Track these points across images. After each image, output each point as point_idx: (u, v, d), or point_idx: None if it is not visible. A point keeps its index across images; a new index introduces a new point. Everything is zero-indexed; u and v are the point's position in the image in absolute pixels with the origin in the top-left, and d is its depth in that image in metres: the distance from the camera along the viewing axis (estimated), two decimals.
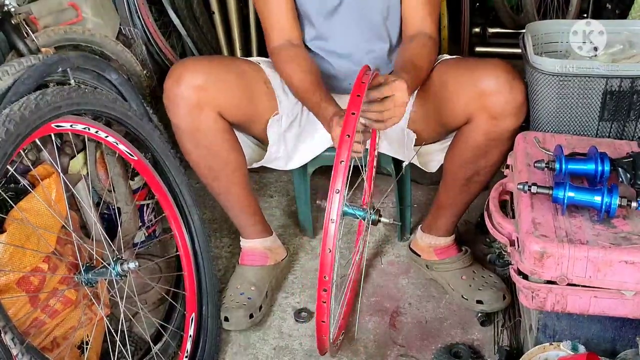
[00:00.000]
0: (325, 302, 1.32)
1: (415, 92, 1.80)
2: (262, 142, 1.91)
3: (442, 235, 1.96)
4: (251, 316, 1.84)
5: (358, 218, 1.60)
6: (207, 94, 1.67)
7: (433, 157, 1.88)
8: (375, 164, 1.86)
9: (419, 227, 2.02)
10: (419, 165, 1.87)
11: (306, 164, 1.97)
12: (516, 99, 1.62)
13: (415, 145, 1.82)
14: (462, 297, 1.89)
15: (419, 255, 2.01)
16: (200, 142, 1.73)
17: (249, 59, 1.91)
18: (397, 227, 2.14)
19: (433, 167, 1.90)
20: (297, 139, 1.88)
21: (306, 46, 1.87)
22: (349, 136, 1.28)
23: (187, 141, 1.74)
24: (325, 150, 1.89)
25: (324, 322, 1.36)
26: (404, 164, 1.86)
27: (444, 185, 1.86)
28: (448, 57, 1.85)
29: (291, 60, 1.79)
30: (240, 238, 2.00)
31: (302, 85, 1.75)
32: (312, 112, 1.76)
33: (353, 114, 1.29)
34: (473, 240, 2.12)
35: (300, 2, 1.81)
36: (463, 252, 1.97)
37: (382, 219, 1.61)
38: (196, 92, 1.66)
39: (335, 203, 1.27)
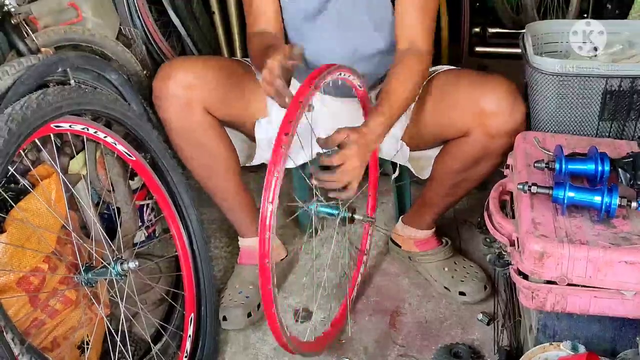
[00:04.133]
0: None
1: (413, 103, 1.79)
2: (253, 141, 1.90)
3: (422, 228, 1.98)
4: (249, 315, 1.84)
5: (331, 216, 1.60)
6: (195, 92, 1.69)
7: (427, 164, 1.88)
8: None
9: (400, 219, 2.04)
10: (413, 171, 1.88)
11: (305, 164, 1.97)
12: (516, 121, 1.63)
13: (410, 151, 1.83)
14: (445, 288, 1.92)
15: (400, 247, 2.03)
16: (191, 139, 1.74)
17: (240, 59, 1.91)
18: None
19: (427, 174, 1.90)
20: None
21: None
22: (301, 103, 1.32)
23: (178, 139, 1.75)
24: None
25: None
26: (393, 177, 1.89)
27: (431, 185, 1.87)
28: (448, 67, 1.84)
29: (260, 44, 1.73)
30: (239, 237, 2.00)
31: (256, 53, 1.71)
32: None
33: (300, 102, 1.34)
34: (473, 240, 2.12)
35: (283, 6, 1.78)
36: (443, 244, 2.00)
37: (356, 216, 1.62)
38: (185, 90, 1.68)
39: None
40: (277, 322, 1.40)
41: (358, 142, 1.47)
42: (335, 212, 1.59)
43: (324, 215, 1.60)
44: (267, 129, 1.81)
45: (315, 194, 1.58)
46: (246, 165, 1.91)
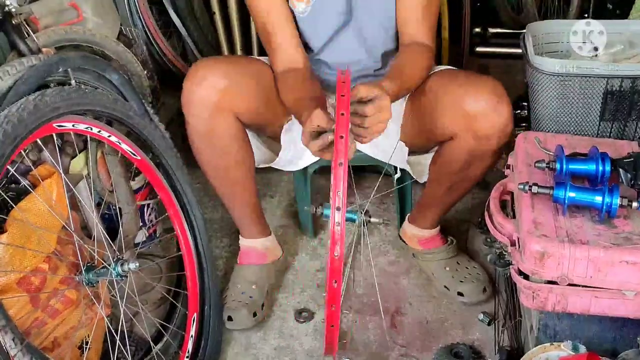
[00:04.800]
0: (334, 307, 1.32)
1: (405, 102, 1.80)
2: (273, 142, 1.90)
3: (426, 228, 1.99)
4: (255, 314, 1.84)
5: (349, 221, 1.60)
6: (227, 97, 1.66)
7: (426, 168, 1.88)
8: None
9: (407, 217, 2.05)
10: (412, 175, 1.88)
11: (306, 167, 1.98)
12: (500, 122, 1.61)
13: (408, 155, 1.83)
14: (445, 287, 1.93)
15: (406, 244, 2.05)
16: (215, 143, 1.73)
17: (262, 58, 1.90)
18: (397, 223, 2.14)
19: (426, 178, 1.90)
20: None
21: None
22: (342, 137, 1.27)
23: (201, 142, 1.73)
24: None
25: (332, 326, 1.36)
26: (394, 177, 1.90)
27: (429, 186, 1.88)
28: (442, 67, 1.84)
29: (291, 87, 1.72)
30: (240, 237, 2.00)
31: (293, 104, 1.68)
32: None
33: (342, 114, 1.28)
34: (473, 240, 2.12)
35: (302, 26, 1.79)
36: (448, 243, 2.00)
37: (373, 220, 1.62)
38: (217, 95, 1.65)
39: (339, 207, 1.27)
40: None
41: (386, 95, 1.45)
42: (353, 216, 1.59)
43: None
44: (291, 131, 1.82)
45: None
46: (261, 166, 1.90)
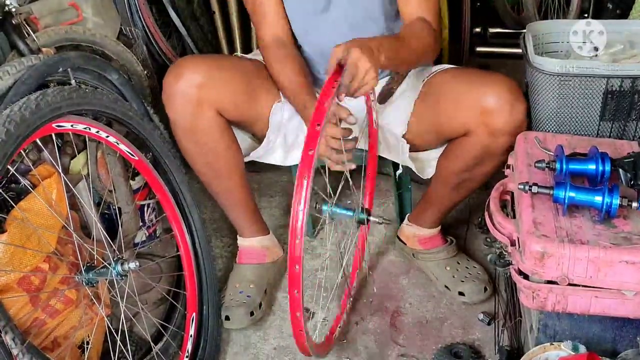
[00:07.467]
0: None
1: (415, 99, 1.80)
2: (259, 140, 1.90)
3: (427, 227, 1.99)
4: (252, 314, 1.84)
5: (347, 218, 1.60)
6: (207, 92, 1.67)
7: (429, 164, 1.88)
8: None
9: (406, 216, 2.05)
10: (415, 171, 1.88)
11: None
12: (516, 120, 1.63)
13: (410, 151, 1.83)
14: (445, 287, 1.93)
15: (405, 244, 2.04)
16: (199, 139, 1.73)
17: (250, 56, 1.90)
18: (397, 224, 2.14)
19: (429, 174, 1.90)
20: (297, 130, 1.87)
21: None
22: (318, 125, 1.28)
23: (185, 139, 1.74)
24: None
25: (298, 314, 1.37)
26: (398, 172, 1.90)
27: (435, 184, 1.88)
28: (449, 66, 1.84)
29: (281, 59, 1.77)
30: (238, 237, 2.00)
31: (290, 86, 1.74)
32: (298, 113, 1.75)
33: (318, 124, 1.29)
34: (473, 240, 2.12)
35: (288, 4, 1.79)
36: (448, 242, 2.00)
37: (372, 218, 1.63)
38: (196, 90, 1.66)
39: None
40: (302, 328, 1.41)
41: (355, 44, 1.40)
42: (351, 213, 1.59)
43: (338, 217, 1.60)
44: (281, 113, 1.82)
45: (330, 195, 1.57)
46: (252, 157, 1.89)
